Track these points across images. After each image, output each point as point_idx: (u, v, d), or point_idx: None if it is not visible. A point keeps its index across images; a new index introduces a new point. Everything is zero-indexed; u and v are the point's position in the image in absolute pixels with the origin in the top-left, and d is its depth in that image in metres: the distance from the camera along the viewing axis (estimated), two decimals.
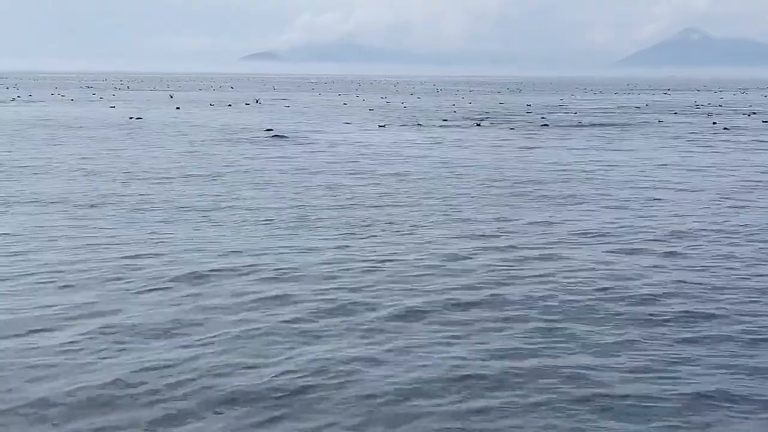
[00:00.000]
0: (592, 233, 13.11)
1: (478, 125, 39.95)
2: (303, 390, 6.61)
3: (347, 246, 11.96)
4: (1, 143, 27.47)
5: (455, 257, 11.28)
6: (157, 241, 12.19)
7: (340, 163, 23.02)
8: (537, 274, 10.40)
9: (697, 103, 69.54)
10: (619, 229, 13.44)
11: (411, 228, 13.40)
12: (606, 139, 32.39)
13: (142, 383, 6.70)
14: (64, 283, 9.70)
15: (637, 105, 65.45)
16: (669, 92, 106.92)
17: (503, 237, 12.80)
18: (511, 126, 39.56)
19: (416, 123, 41.02)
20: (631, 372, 7.15)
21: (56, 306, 8.83)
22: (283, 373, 6.89)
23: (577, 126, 39.49)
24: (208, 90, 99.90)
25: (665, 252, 11.86)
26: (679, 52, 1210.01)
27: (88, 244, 11.87)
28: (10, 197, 16.04)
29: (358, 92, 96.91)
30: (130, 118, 41.68)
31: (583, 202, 16.38)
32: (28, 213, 14.51)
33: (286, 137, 31.01)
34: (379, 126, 38.56)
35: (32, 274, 10.10)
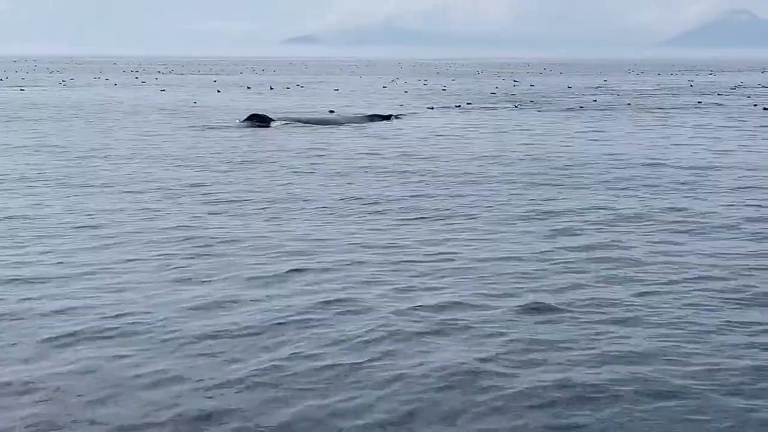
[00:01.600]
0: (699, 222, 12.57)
1: (516, 107, 39.57)
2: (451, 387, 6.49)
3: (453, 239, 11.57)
4: (78, 127, 27.90)
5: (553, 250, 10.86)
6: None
7: (393, 147, 22.95)
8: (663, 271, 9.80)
9: (743, 84, 68.58)
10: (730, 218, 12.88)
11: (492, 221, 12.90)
12: (655, 120, 31.74)
13: None
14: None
15: (682, 85, 64.73)
16: (714, 73, 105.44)
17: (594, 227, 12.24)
18: (551, 108, 39.10)
19: (455, 105, 40.91)
20: None
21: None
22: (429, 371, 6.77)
23: (621, 108, 38.82)
24: (249, 74, 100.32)
25: None
26: (726, 33, 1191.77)
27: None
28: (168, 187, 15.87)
29: (398, 75, 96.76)
30: (194, 102, 41.95)
31: (669, 189, 15.65)
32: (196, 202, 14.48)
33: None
34: (428, 108, 38.30)
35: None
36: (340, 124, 29.51)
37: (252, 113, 29.63)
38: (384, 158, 20.13)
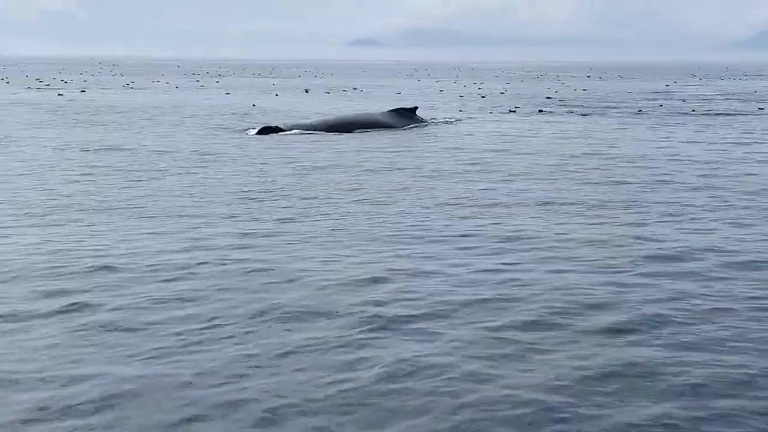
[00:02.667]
0: None
1: (571, 112, 38.91)
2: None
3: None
4: (167, 133, 28.10)
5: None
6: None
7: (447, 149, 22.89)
8: None
9: None
10: None
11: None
12: (724, 128, 30.77)
13: None
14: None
15: (750, 90, 63.43)
16: None
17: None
18: (607, 113, 38.47)
19: (509, 110, 40.49)
20: None
21: None
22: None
23: (684, 114, 37.94)
24: (309, 77, 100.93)
25: None
26: None
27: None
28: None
29: (457, 78, 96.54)
30: (253, 105, 42.03)
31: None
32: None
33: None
34: (488, 113, 38.02)
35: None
36: (363, 125, 28.46)
37: (263, 126, 27.90)
38: (458, 164, 19.95)
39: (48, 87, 61.99)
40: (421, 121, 31.14)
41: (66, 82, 71.60)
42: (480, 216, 13.32)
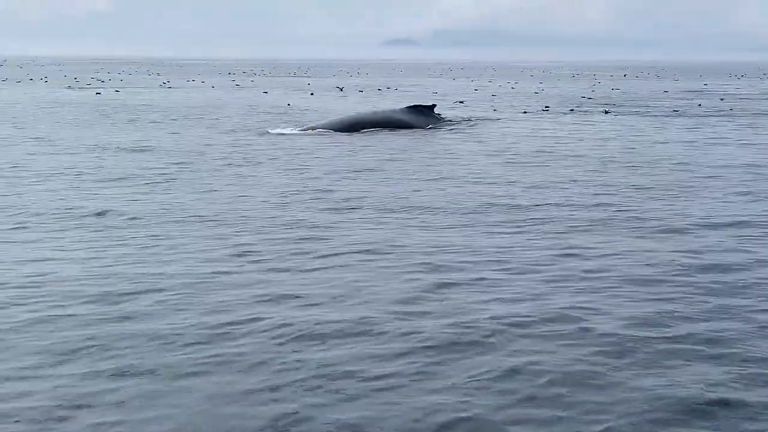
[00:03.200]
0: None
1: (606, 112, 38.33)
2: None
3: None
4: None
5: None
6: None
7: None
8: None
9: None
10: None
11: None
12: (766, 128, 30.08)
13: None
14: None
15: None
16: None
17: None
18: (642, 113, 37.83)
19: (543, 108, 40.10)
20: None
21: None
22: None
23: (724, 115, 37.31)
24: (343, 76, 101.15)
25: None
26: None
27: None
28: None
29: (492, 78, 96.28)
30: (288, 104, 41.91)
31: None
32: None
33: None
34: (521, 113, 37.50)
35: None
36: (376, 124, 27.81)
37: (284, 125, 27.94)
38: (493, 165, 19.69)
39: (87, 86, 62.67)
40: (440, 119, 30.30)
41: (103, 82, 72.35)
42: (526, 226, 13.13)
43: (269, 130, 27.76)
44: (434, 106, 30.95)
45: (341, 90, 60.95)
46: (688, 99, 49.96)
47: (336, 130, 26.88)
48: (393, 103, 44.07)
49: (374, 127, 27.38)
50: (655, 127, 30.83)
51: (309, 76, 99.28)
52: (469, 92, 59.11)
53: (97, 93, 52.23)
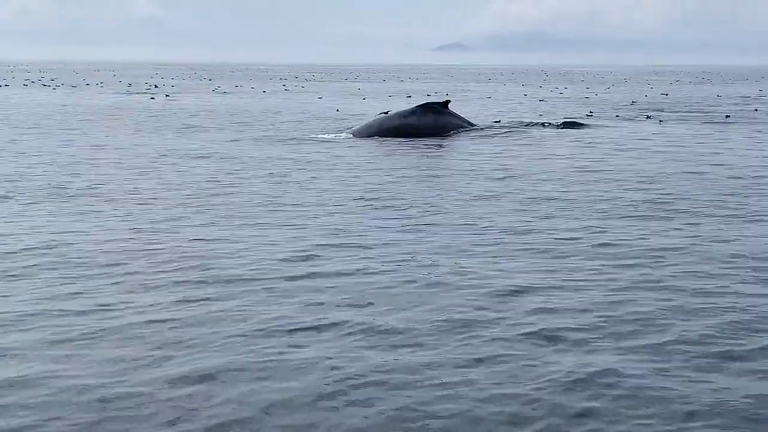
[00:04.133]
0: None
1: (649, 117, 37.52)
2: None
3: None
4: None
5: None
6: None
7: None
8: None
9: None
10: None
11: None
12: None
13: None
14: None
15: None
16: None
17: None
18: (691, 118, 37.10)
19: (585, 115, 39.20)
20: None
21: None
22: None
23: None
24: (394, 81, 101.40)
25: None
26: None
27: None
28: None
29: (543, 83, 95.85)
30: (337, 110, 41.59)
31: None
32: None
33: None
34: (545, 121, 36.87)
35: None
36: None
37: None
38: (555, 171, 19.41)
39: (146, 92, 63.70)
40: (457, 120, 28.05)
41: (156, 87, 73.47)
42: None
43: (312, 135, 27.90)
44: (448, 102, 28.40)
45: (390, 96, 61.19)
46: (742, 105, 49.17)
47: (357, 136, 26.72)
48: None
49: (388, 135, 26.24)
50: (700, 132, 30.20)
51: (360, 81, 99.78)
52: (519, 97, 59.04)
53: (151, 98, 53.16)
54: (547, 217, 13.63)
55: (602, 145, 25.25)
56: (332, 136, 27.51)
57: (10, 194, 15.52)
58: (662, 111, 42.31)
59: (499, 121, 31.91)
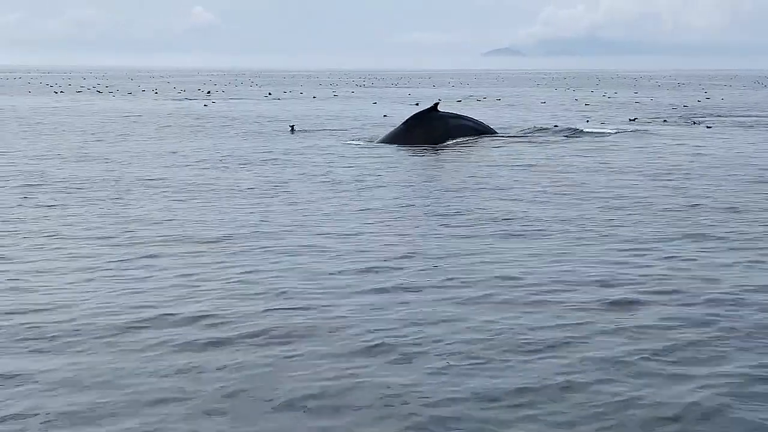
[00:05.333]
0: None
1: (695, 123, 36.85)
2: None
3: None
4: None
5: None
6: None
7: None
8: None
9: None
10: None
11: None
12: None
13: None
14: None
15: None
16: None
17: None
18: (742, 123, 36.30)
19: (630, 119, 38.80)
20: None
21: None
22: None
23: None
24: (445, 87, 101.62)
25: None
26: None
27: None
28: None
29: (594, 88, 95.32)
30: (384, 116, 41.28)
31: None
32: None
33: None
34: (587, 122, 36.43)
35: None
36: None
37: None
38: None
39: (207, 98, 64.81)
40: (453, 122, 27.31)
41: (209, 93, 74.57)
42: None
43: (346, 141, 27.89)
44: (437, 104, 27.44)
45: (439, 101, 61.31)
46: None
47: (380, 143, 26.63)
48: (486, 113, 44.28)
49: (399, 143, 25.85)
50: (749, 138, 29.54)
51: (410, 86, 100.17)
52: (569, 101, 58.96)
53: (204, 105, 54.10)
54: None
55: (612, 152, 24.68)
56: (362, 142, 27.41)
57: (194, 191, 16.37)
58: (712, 116, 41.66)
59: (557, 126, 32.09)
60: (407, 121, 26.95)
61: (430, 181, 18.69)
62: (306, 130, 32.57)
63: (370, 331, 8.02)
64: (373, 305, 8.91)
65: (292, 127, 32.83)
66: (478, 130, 28.27)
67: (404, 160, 23.10)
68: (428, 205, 15.36)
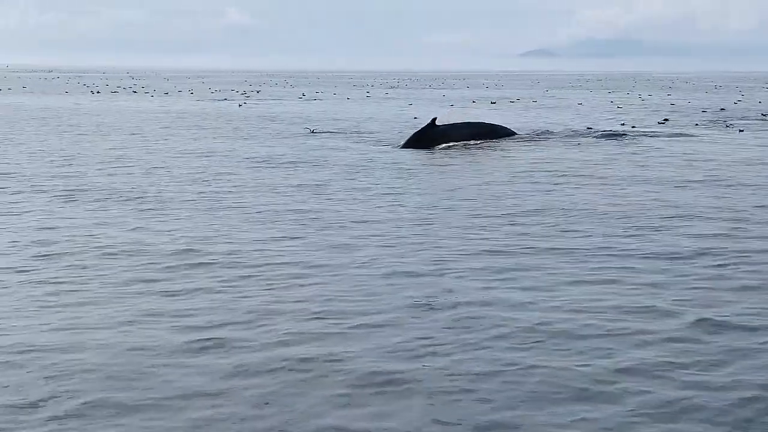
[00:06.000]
0: None
1: (728, 126, 36.34)
2: None
3: None
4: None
5: None
6: None
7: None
8: None
9: None
10: None
11: None
12: None
13: None
14: None
15: None
16: None
17: None
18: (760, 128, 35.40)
19: (658, 122, 38.46)
20: None
21: None
22: None
23: None
24: (479, 88, 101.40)
25: None
26: None
27: None
28: None
29: (630, 90, 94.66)
30: (415, 118, 40.61)
31: None
32: None
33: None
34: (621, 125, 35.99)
35: None
36: None
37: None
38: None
39: (232, 99, 65.30)
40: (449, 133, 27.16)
41: (244, 94, 75.05)
42: None
43: (372, 146, 27.76)
44: (434, 120, 27.10)
45: (473, 102, 61.43)
46: None
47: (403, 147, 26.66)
48: (518, 114, 44.13)
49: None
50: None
51: (445, 88, 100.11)
52: (604, 103, 58.66)
53: (239, 105, 54.50)
54: None
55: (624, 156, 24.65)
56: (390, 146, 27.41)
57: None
58: (748, 119, 40.90)
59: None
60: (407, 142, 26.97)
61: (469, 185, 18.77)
62: (331, 132, 32.83)
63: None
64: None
65: (312, 130, 32.90)
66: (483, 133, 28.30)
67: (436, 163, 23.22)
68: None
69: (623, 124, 36.52)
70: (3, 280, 10.13)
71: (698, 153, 25.14)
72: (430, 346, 7.88)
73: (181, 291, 9.72)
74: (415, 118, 40.95)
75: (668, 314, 8.85)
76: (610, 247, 11.90)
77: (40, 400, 6.56)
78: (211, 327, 8.39)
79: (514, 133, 29.35)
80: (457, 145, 26.47)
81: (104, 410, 6.42)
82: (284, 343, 7.94)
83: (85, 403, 6.51)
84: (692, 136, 31.15)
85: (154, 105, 54.74)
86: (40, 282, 10.07)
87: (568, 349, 7.78)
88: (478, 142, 27.25)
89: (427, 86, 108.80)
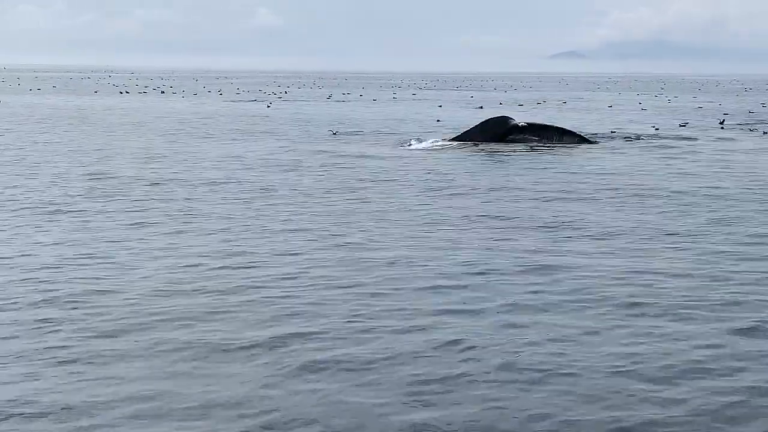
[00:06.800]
0: None
1: (752, 129, 35.69)
2: None
3: None
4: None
5: None
6: None
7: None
8: None
9: None
10: None
11: None
12: None
13: None
14: None
15: None
16: None
17: None
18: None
19: (680, 124, 38.22)
20: None
21: None
22: None
23: None
24: (507, 90, 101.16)
25: None
26: None
27: None
28: None
29: (658, 92, 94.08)
30: (437, 121, 40.77)
31: None
32: None
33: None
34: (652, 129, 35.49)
35: None
36: None
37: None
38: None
39: (261, 100, 65.74)
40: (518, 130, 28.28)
41: (275, 94, 75.54)
42: None
43: (401, 146, 27.74)
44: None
45: (501, 104, 61.39)
46: None
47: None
48: (545, 115, 44.07)
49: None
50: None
51: (473, 89, 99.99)
52: (631, 105, 58.49)
53: (267, 106, 54.93)
54: None
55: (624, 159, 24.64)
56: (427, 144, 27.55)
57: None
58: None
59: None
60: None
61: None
62: (353, 132, 33.09)
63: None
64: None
65: (335, 132, 33.05)
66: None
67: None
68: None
69: (657, 129, 35.38)
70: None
71: (712, 159, 25.02)
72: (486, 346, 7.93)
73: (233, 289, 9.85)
74: (438, 120, 41.12)
75: None
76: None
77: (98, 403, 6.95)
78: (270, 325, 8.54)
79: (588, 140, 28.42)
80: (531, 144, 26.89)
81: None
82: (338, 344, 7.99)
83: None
84: (710, 140, 30.45)
85: (181, 106, 55.24)
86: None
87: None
88: (553, 144, 27.12)
89: (455, 88, 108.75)
